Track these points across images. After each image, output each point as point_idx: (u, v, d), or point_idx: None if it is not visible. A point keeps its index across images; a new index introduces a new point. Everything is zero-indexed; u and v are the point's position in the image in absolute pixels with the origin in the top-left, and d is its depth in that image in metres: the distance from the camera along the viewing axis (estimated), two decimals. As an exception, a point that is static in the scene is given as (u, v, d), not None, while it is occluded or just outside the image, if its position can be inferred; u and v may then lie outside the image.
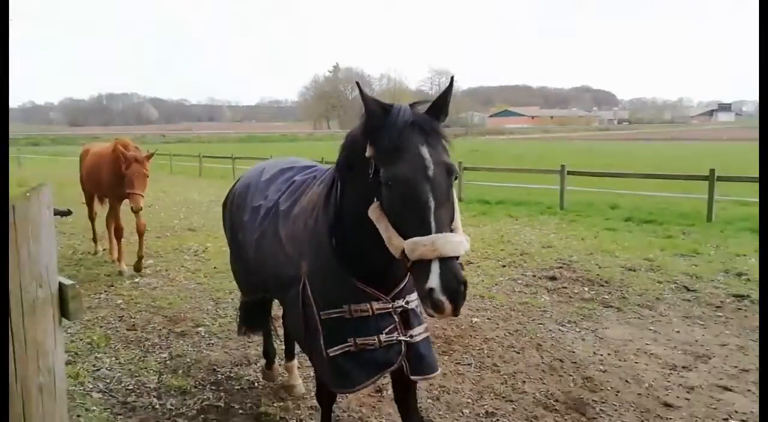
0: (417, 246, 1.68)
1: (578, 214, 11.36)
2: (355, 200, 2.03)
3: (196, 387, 3.90)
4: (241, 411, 3.56)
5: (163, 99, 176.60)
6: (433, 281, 1.64)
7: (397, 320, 2.23)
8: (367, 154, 1.90)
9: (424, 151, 1.78)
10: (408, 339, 2.25)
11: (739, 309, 5.47)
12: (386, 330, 2.21)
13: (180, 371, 4.16)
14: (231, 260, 3.53)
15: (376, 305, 2.18)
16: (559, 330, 4.96)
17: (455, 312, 1.64)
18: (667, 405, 3.57)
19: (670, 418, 3.40)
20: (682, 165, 21.61)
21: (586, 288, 6.21)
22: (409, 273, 1.94)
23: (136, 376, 4.06)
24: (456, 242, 1.69)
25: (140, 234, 7.07)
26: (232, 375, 4.10)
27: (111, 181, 6.83)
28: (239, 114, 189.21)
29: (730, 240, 8.61)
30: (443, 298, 1.62)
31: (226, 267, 7.43)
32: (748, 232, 9.08)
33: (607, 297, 5.90)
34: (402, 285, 2.22)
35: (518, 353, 4.43)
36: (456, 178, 1.85)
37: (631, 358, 4.32)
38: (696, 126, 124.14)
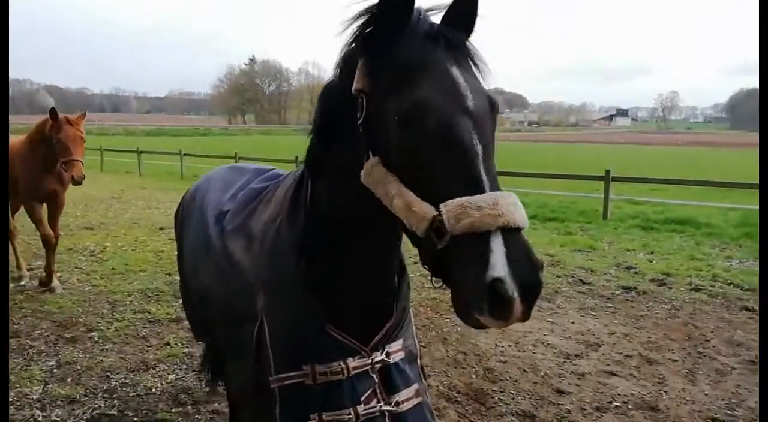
0: (467, 209, 1.08)
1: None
2: (338, 184, 1.45)
3: (86, 395, 3.67)
4: (135, 419, 3.39)
5: (61, 87, 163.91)
6: (500, 265, 1.02)
7: (376, 380, 1.62)
8: (356, 85, 1.30)
9: (457, 74, 1.23)
10: (393, 408, 1.62)
11: (627, 300, 5.94)
12: (364, 396, 1.58)
13: (69, 379, 3.89)
14: (180, 288, 2.79)
15: (352, 363, 1.56)
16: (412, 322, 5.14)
17: (526, 315, 1.05)
18: (559, 391, 3.81)
19: (562, 404, 3.64)
20: (584, 165, 23.11)
21: (491, 283, 6.48)
22: (395, 307, 1.59)
23: (16, 387, 3.74)
24: (521, 206, 1.13)
25: (51, 244, 5.87)
26: (127, 381, 3.89)
27: (30, 177, 5.63)
28: (147, 105, 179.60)
29: (623, 236, 9.35)
30: (515, 294, 1.01)
31: (126, 268, 7.13)
32: (637, 229, 9.94)
33: (510, 291, 6.19)
34: (387, 327, 1.63)
35: (425, 347, 4.54)
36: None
37: (529, 349, 4.57)
38: (597, 129, 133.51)
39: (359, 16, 1.30)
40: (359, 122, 1.30)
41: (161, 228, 9.48)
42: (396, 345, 1.67)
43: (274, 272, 1.60)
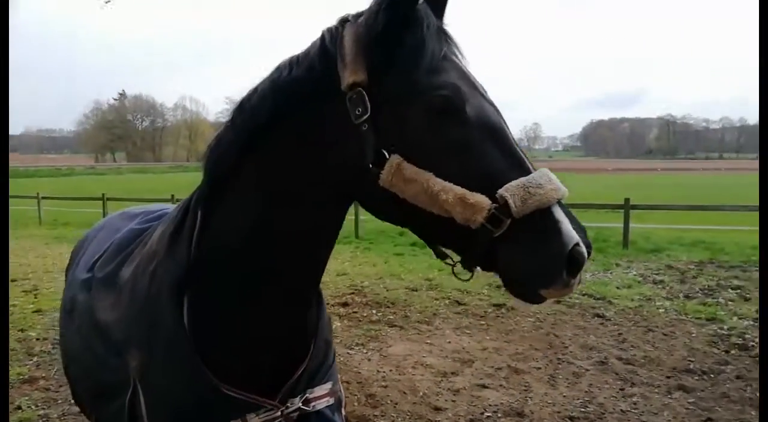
0: (529, 189, 1.09)
1: (372, 242, 12.13)
2: (270, 208, 1.29)
3: None
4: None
5: None
6: (573, 233, 1.09)
7: None
8: (352, 79, 1.17)
9: (464, 65, 1.24)
10: None
11: (498, 316, 6.40)
12: None
13: None
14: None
15: (254, 420, 1.38)
16: (348, 353, 5.22)
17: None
18: (436, 408, 4.01)
19: (438, 420, 3.83)
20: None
21: (374, 311, 6.65)
22: (314, 344, 1.46)
23: None
24: None
25: None
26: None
27: None
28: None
29: (494, 257, 10.06)
30: (585, 251, 1.09)
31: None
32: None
33: (392, 317, 6.40)
34: (302, 369, 1.44)
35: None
36: None
37: (409, 371, 4.75)
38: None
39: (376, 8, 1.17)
40: (361, 120, 1.16)
41: (13, 281, 8.57)
42: (321, 390, 1.48)
43: (149, 327, 1.38)
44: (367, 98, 1.15)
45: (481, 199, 1.09)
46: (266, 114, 1.26)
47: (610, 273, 8.70)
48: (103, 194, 17.49)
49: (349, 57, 1.18)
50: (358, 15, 1.24)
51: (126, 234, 1.79)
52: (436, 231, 1.18)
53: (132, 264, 1.57)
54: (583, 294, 7.24)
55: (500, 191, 1.09)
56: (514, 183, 1.10)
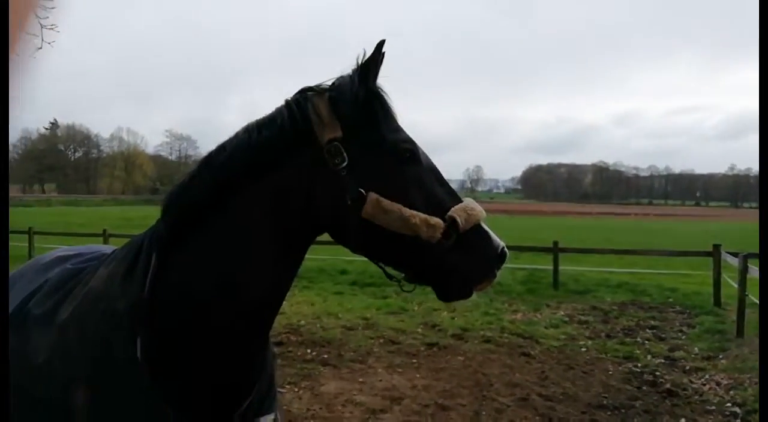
0: (468, 211, 1.49)
1: (311, 280, 12.15)
2: (242, 252, 1.44)
3: None
4: None
5: None
6: (497, 239, 1.50)
7: None
8: (332, 135, 1.45)
9: None
10: None
11: (429, 355, 6.61)
12: None
13: None
14: None
15: None
16: (279, 391, 5.24)
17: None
18: (363, 445, 4.12)
19: (364, 456, 3.95)
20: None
21: (308, 350, 6.72)
22: (261, 377, 1.60)
23: None
24: None
25: None
26: None
27: None
28: None
29: (430, 296, 10.30)
30: (507, 251, 1.52)
31: None
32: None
33: (326, 356, 6.48)
34: (249, 400, 1.56)
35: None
36: None
37: (338, 409, 4.85)
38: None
39: (369, 75, 1.48)
40: (341, 166, 1.43)
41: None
42: (266, 420, 1.61)
43: (100, 363, 1.42)
44: (343, 149, 1.44)
45: (438, 220, 1.44)
46: (240, 168, 1.45)
47: (540, 313, 9.13)
48: (29, 228, 16.70)
49: (327, 119, 1.47)
50: (322, 88, 1.53)
51: (61, 273, 1.79)
52: (402, 249, 1.47)
53: (72, 303, 1.57)
54: (513, 334, 7.58)
55: (450, 213, 1.45)
56: (457, 207, 1.48)
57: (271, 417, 1.64)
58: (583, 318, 8.80)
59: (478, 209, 1.51)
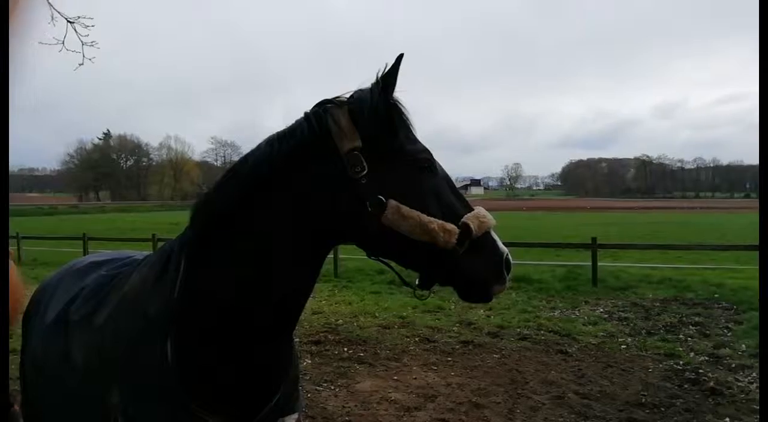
0: (479, 218, 1.55)
1: (350, 280, 12.26)
2: (255, 253, 1.49)
3: None
4: None
5: None
6: (503, 246, 1.58)
7: None
8: (351, 145, 1.50)
9: None
10: None
11: (465, 353, 6.56)
12: None
13: None
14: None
15: None
16: (316, 389, 5.33)
17: None
18: (397, 442, 4.13)
19: (397, 453, 3.95)
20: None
21: (345, 349, 6.78)
22: (287, 377, 1.67)
23: None
24: None
25: None
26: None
27: None
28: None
29: (467, 295, 10.26)
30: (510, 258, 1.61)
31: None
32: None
33: (362, 354, 6.53)
34: (275, 399, 1.63)
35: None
36: None
37: (374, 406, 4.88)
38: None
39: (390, 84, 1.51)
40: (361, 175, 1.48)
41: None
42: (290, 419, 1.68)
43: (133, 364, 1.50)
44: (363, 159, 1.49)
45: (453, 227, 1.49)
46: (263, 178, 1.50)
47: (578, 310, 8.93)
48: (83, 234, 17.44)
49: (347, 129, 1.51)
50: (341, 101, 1.58)
51: (98, 280, 1.90)
52: (419, 253, 1.51)
53: (108, 307, 1.68)
54: (549, 331, 7.45)
55: (463, 220, 1.51)
56: (470, 214, 1.54)
57: (295, 417, 1.70)
58: (623, 314, 8.55)
59: (489, 217, 1.58)
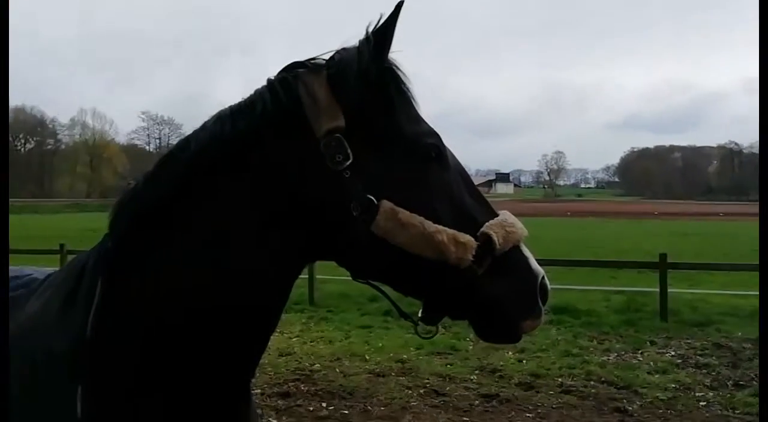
0: (505, 227, 1.55)
1: (331, 310, 12.28)
2: (200, 268, 1.50)
3: None
4: None
5: None
6: (537, 266, 1.57)
7: None
8: (332, 124, 1.49)
9: None
10: None
11: (487, 411, 6.60)
12: None
13: None
14: None
15: None
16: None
17: None
18: None
19: None
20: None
21: (324, 404, 6.80)
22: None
23: None
24: None
25: None
26: None
27: None
28: None
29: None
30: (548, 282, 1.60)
31: None
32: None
33: (346, 412, 6.55)
34: None
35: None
36: None
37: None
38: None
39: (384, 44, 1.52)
40: (343, 166, 1.48)
41: None
42: None
43: (29, 419, 1.52)
44: (346, 144, 1.48)
45: (469, 238, 1.48)
46: (207, 169, 1.51)
47: (641, 353, 8.98)
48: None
49: (325, 103, 1.51)
50: (317, 64, 1.57)
51: None
52: (422, 274, 1.51)
53: None
54: (602, 381, 7.48)
55: (484, 229, 1.51)
56: (493, 222, 1.54)
57: None
58: (702, 359, 8.60)
59: (518, 226, 1.58)
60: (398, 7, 1.51)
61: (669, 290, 11.59)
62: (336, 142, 1.48)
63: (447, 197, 1.55)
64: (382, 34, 1.52)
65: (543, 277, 1.56)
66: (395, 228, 1.46)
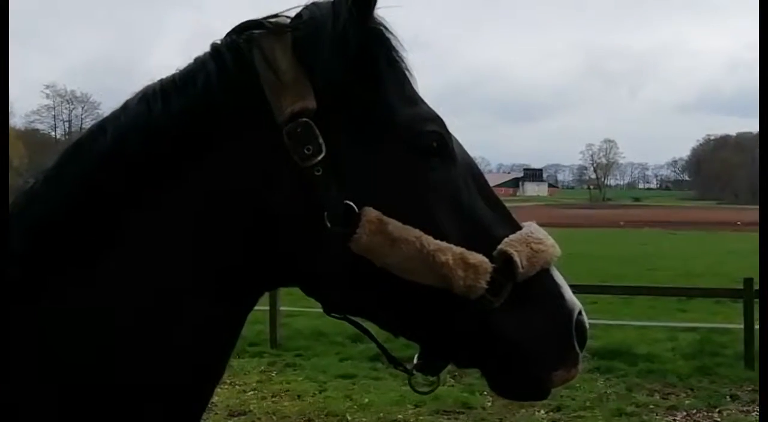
0: (532, 243, 1.54)
1: (301, 353, 12.20)
2: (121, 297, 1.48)
3: None
4: None
5: None
6: (572, 297, 1.58)
7: None
8: (300, 106, 1.48)
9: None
10: None
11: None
12: None
13: None
14: None
15: None
16: None
17: None
18: None
19: None
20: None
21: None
22: None
23: None
24: None
25: None
26: None
27: None
28: None
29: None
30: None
31: None
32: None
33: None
34: None
35: None
36: None
37: None
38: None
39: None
40: (313, 161, 1.46)
41: None
42: None
43: None
44: (318, 131, 1.47)
45: (483, 259, 1.48)
46: (129, 166, 1.47)
47: (719, 411, 9.01)
48: None
49: (289, 76, 1.49)
50: (278, 24, 1.56)
51: None
52: (417, 308, 1.51)
53: None
54: (667, 451, 7.46)
55: (502, 246, 1.50)
56: (514, 237, 1.53)
57: None
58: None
59: (548, 242, 1.58)
60: None
61: (757, 327, 11.58)
62: (304, 129, 1.47)
63: (453, 203, 1.55)
64: None
65: (580, 312, 1.55)
66: (383, 244, 1.44)
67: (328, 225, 1.45)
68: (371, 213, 1.45)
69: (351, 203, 1.46)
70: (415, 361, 1.58)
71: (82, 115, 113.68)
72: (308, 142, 1.47)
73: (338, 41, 1.48)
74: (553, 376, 1.53)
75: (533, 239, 1.53)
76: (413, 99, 1.60)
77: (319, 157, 1.46)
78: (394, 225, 1.45)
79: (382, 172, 1.51)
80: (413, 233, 1.45)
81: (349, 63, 1.49)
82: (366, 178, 1.50)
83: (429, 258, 1.45)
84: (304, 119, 1.47)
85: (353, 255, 1.45)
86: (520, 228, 1.59)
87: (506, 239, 1.52)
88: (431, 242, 1.46)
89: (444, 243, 1.46)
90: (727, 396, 9.65)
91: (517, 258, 1.48)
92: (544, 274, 1.55)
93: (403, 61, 1.59)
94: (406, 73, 1.60)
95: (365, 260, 1.45)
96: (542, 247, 1.54)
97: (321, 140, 1.47)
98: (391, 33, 1.57)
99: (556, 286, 1.56)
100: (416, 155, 1.53)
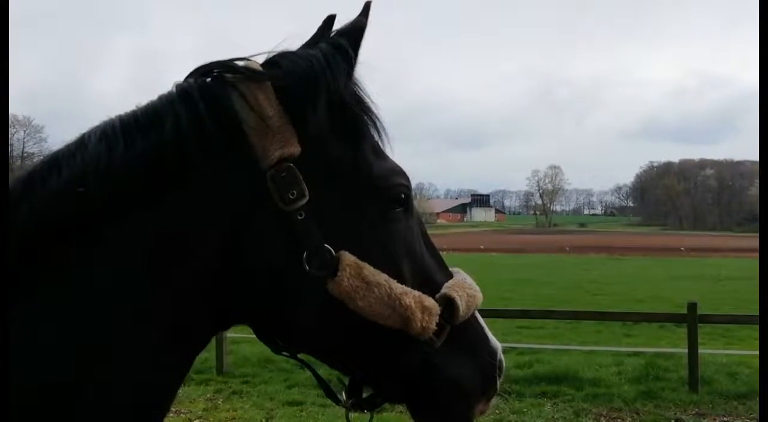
0: (468, 289, 1.71)
1: (248, 380, 12.14)
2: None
3: None
4: None
5: None
6: (493, 337, 1.76)
7: None
8: (286, 151, 1.51)
9: None
10: None
11: None
12: None
13: None
14: None
15: None
16: None
17: None
18: None
19: None
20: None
21: None
22: None
23: None
24: None
25: None
26: None
27: None
28: None
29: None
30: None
31: None
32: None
33: None
34: None
35: None
36: None
37: None
38: (443, 228, 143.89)
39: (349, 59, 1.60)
40: (297, 206, 1.50)
41: None
42: None
43: None
44: (301, 177, 1.51)
45: (434, 303, 1.60)
46: (87, 211, 1.43)
47: (664, 436, 9.07)
48: None
49: (275, 121, 1.51)
50: (255, 72, 1.54)
51: None
52: (375, 348, 1.59)
53: None
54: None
55: (444, 291, 1.64)
56: (452, 282, 1.69)
57: None
58: (745, 445, 8.72)
59: (476, 288, 1.73)
60: (367, 7, 1.58)
61: (700, 351, 11.72)
62: (288, 174, 1.50)
63: (410, 250, 1.66)
64: (355, 43, 1.59)
65: (500, 350, 1.74)
66: (359, 288, 1.51)
67: (307, 268, 1.49)
68: (349, 257, 1.52)
69: (329, 247, 1.51)
70: (344, 397, 1.67)
71: (23, 138, 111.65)
72: (292, 186, 1.50)
73: (334, 97, 1.55)
74: (476, 410, 1.67)
75: (467, 284, 1.70)
76: (382, 152, 1.69)
77: (303, 202, 1.51)
78: (369, 270, 1.53)
79: (357, 219, 1.60)
80: (383, 277, 1.54)
81: (333, 112, 1.56)
82: (342, 224, 1.57)
83: (396, 301, 1.52)
84: (289, 164, 1.50)
85: (328, 298, 1.50)
86: (452, 275, 1.74)
87: (446, 284, 1.67)
88: (397, 286, 1.54)
89: (407, 287, 1.56)
90: (672, 420, 9.79)
91: (458, 302, 1.62)
92: (473, 318, 1.71)
93: (378, 117, 1.66)
94: (381, 128, 1.68)
95: (337, 302, 1.50)
96: (474, 292, 1.70)
97: (304, 185, 1.50)
98: (364, 90, 1.66)
99: (482, 329, 1.72)
100: (387, 205, 1.62)
